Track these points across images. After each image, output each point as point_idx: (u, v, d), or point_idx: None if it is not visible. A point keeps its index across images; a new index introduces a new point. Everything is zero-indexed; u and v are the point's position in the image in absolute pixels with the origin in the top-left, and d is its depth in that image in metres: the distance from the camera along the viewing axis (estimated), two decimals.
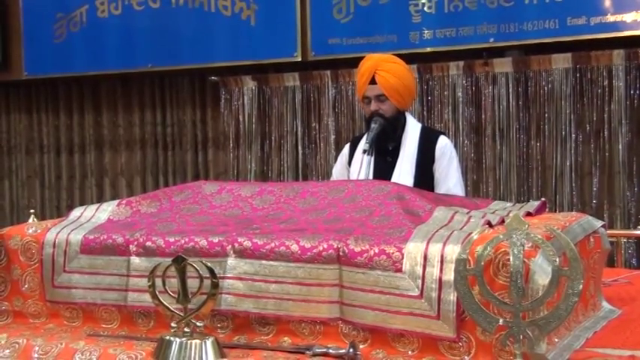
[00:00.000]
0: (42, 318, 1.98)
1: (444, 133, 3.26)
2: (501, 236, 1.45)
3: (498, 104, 4.43)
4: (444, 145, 3.08)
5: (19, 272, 2.00)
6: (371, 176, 2.96)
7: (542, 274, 1.45)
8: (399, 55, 3.25)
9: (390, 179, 2.95)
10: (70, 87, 5.72)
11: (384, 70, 3.03)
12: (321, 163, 4.87)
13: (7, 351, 1.76)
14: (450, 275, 1.55)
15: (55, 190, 5.85)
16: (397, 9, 4.56)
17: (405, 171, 3.02)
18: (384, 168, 3.04)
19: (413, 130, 3.10)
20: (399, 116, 3.08)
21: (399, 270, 1.61)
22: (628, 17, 4.09)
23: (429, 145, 3.06)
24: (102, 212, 2.10)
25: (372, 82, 3.02)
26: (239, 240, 1.78)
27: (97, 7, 5.37)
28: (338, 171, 3.27)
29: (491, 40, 4.37)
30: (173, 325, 1.59)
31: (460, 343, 1.57)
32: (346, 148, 3.28)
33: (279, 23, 4.84)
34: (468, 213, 1.87)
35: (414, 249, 1.62)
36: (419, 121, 3.46)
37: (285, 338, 1.73)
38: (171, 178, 5.43)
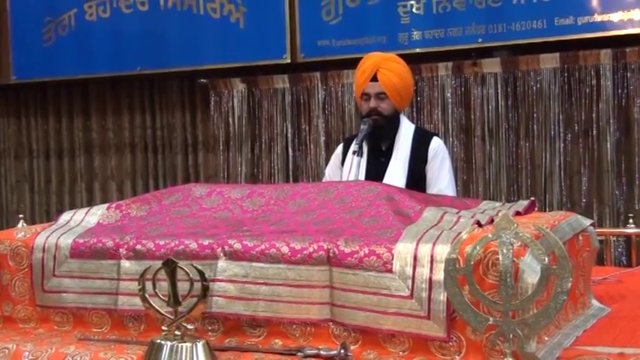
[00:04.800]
0: (32, 323, 1.98)
1: (437, 135, 3.27)
2: (490, 235, 1.45)
3: (487, 104, 4.44)
4: (436, 146, 3.09)
5: (9, 277, 1.99)
6: (361, 177, 2.96)
7: (531, 272, 1.46)
8: None
9: (382, 179, 2.95)
10: (59, 91, 5.69)
11: (387, 69, 3.04)
12: (311, 165, 4.87)
13: None
14: (440, 275, 1.55)
15: (44, 194, 5.82)
16: (386, 10, 4.57)
17: (397, 171, 3.03)
18: (376, 168, 3.04)
19: (406, 130, 3.10)
20: (395, 116, 3.09)
21: (389, 270, 1.61)
22: (615, 17, 4.11)
23: (422, 146, 3.07)
24: (91, 216, 2.09)
25: (374, 79, 3.03)
26: (229, 242, 1.78)
27: (86, 10, 5.35)
28: (331, 170, 3.27)
29: (480, 40, 4.38)
30: (164, 328, 1.59)
31: (450, 343, 1.58)
32: (339, 147, 3.27)
33: (268, 25, 4.84)
34: (457, 213, 1.87)
35: (403, 249, 1.62)
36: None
37: (276, 340, 1.73)
38: (161, 182, 5.41)
